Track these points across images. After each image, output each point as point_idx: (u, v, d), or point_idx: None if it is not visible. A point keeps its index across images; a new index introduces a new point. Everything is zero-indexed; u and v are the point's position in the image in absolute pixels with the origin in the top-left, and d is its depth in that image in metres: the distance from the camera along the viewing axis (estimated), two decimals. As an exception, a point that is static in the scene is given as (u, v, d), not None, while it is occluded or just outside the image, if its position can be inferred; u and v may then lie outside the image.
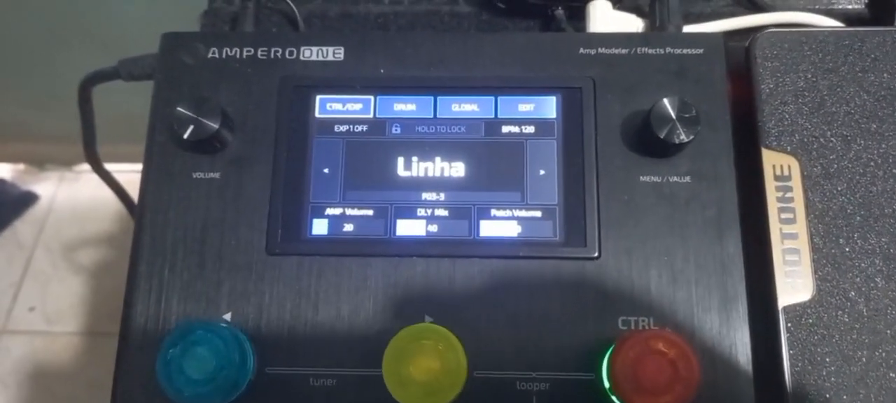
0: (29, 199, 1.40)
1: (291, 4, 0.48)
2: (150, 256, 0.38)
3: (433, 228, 0.38)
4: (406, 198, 0.39)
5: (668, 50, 0.41)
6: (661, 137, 0.36)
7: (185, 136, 0.38)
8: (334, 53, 0.41)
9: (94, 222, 1.36)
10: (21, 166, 1.44)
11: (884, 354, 0.35)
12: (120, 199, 0.67)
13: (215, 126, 0.38)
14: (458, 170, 0.39)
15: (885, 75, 0.39)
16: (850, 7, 0.49)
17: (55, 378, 1.26)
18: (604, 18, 0.45)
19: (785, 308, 0.36)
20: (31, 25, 1.02)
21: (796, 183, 0.38)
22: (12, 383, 1.25)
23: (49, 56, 1.08)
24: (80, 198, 1.40)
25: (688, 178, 0.38)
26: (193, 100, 0.38)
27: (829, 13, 0.47)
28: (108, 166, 0.67)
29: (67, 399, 1.25)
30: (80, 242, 1.37)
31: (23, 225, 1.39)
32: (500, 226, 0.38)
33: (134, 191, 0.69)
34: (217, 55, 0.41)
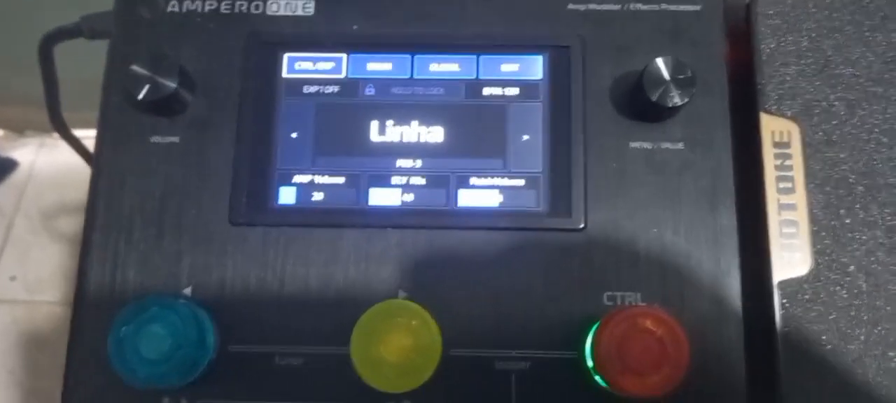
0: (8, 166, 1.38)
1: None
2: (105, 225, 0.36)
3: (409, 197, 0.37)
4: (380, 165, 0.37)
5: (663, 6, 0.39)
6: (654, 100, 0.35)
7: (141, 97, 0.35)
8: (304, 7, 0.39)
9: (75, 189, 1.33)
10: (0, 132, 1.41)
11: (883, 332, 0.34)
12: (88, 164, 0.65)
13: (173, 85, 0.36)
14: (436, 135, 0.37)
15: (893, 35, 0.37)
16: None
17: (38, 347, 1.25)
18: (595, -27, 0.42)
19: (780, 282, 0.34)
20: (8, -14, 0.99)
21: (796, 150, 0.36)
22: (-5, 352, 1.24)
23: (27, 18, 1.05)
24: (59, 164, 1.37)
25: (681, 145, 0.37)
26: (150, 58, 0.36)
27: (834, -30, 0.45)
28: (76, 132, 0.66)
29: (50, 367, 1.23)
30: (60, 209, 1.35)
31: (2, 193, 1.37)
32: (480, 196, 0.37)
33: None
34: (177, 9, 0.39)
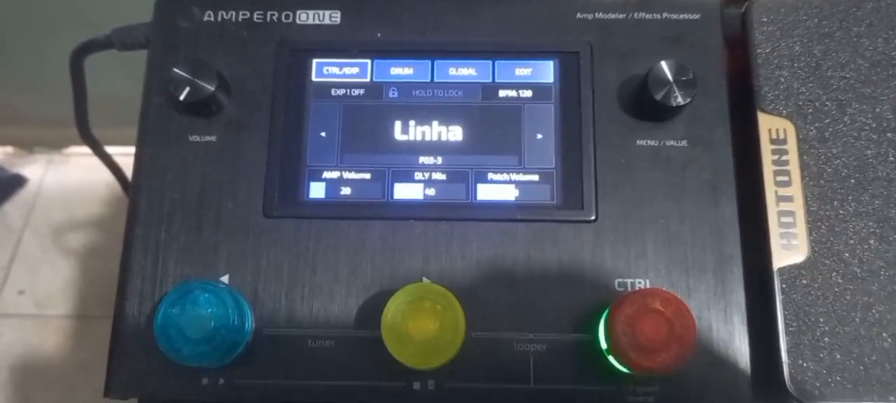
0: (17, 182, 1.39)
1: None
2: (147, 219, 0.38)
3: (431, 192, 0.38)
4: (403, 162, 0.39)
5: (666, 15, 0.41)
6: (658, 100, 0.37)
7: (182, 98, 0.37)
8: (331, 17, 0.41)
9: (83, 205, 1.35)
10: (9, 149, 1.43)
11: (877, 314, 0.36)
12: (113, 174, 0.67)
13: (211, 88, 0.38)
14: (455, 133, 0.39)
15: (879, 40, 0.39)
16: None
17: (46, 360, 1.26)
18: (601, -15, 0.45)
19: (780, 269, 0.36)
20: (20, 8, 1.00)
21: (792, 146, 0.38)
22: (3, 366, 1.25)
23: (38, 39, 1.07)
24: (68, 180, 1.38)
25: (684, 142, 0.39)
26: (189, 63, 0.38)
27: (824, -18, 0.47)
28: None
29: (58, 381, 1.24)
30: (69, 225, 1.36)
31: (11, 209, 1.38)
32: (497, 190, 0.38)
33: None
34: (213, 18, 0.41)
